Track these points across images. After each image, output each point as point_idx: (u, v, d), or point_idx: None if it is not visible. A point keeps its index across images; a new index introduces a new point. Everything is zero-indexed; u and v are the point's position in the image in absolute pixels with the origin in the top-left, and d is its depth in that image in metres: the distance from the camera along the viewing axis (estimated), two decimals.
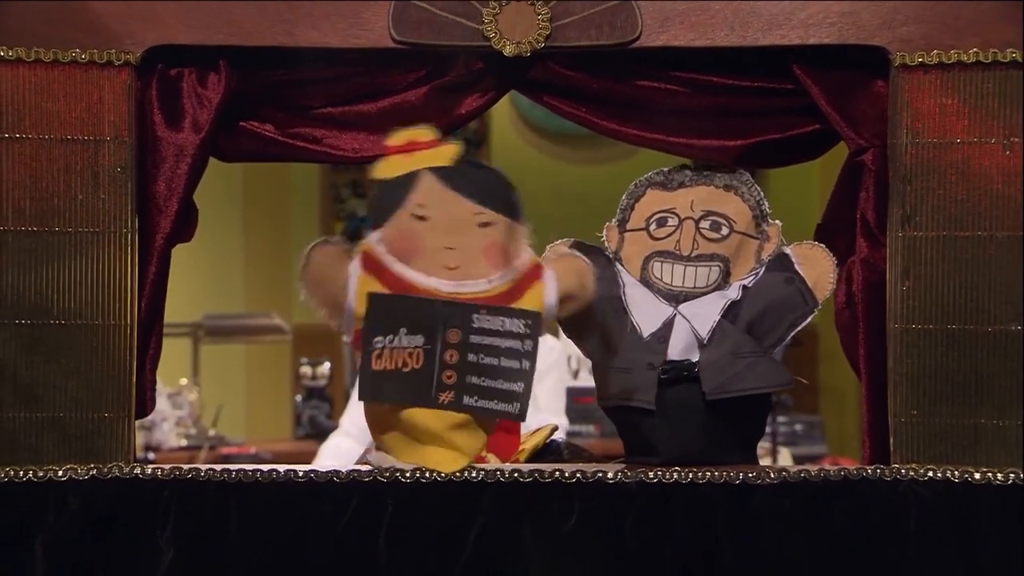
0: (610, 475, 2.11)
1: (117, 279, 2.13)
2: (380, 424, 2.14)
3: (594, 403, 2.35)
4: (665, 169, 2.29)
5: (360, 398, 2.14)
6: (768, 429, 4.53)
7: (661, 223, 2.26)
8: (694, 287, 2.22)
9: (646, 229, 2.27)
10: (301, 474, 2.12)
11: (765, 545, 2.11)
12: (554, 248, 2.28)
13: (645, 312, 2.22)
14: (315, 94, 2.25)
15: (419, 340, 2.09)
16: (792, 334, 2.23)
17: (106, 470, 2.12)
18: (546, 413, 4.61)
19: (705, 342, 2.19)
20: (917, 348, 2.14)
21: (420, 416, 2.09)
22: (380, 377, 2.08)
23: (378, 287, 2.10)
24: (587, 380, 5.30)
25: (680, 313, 2.21)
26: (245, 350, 7.34)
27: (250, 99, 2.23)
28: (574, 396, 5.39)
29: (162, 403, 5.59)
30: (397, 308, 2.09)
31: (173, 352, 5.04)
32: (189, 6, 2.16)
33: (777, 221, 2.27)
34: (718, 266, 2.22)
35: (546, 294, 2.14)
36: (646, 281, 2.25)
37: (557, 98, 2.28)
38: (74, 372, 2.13)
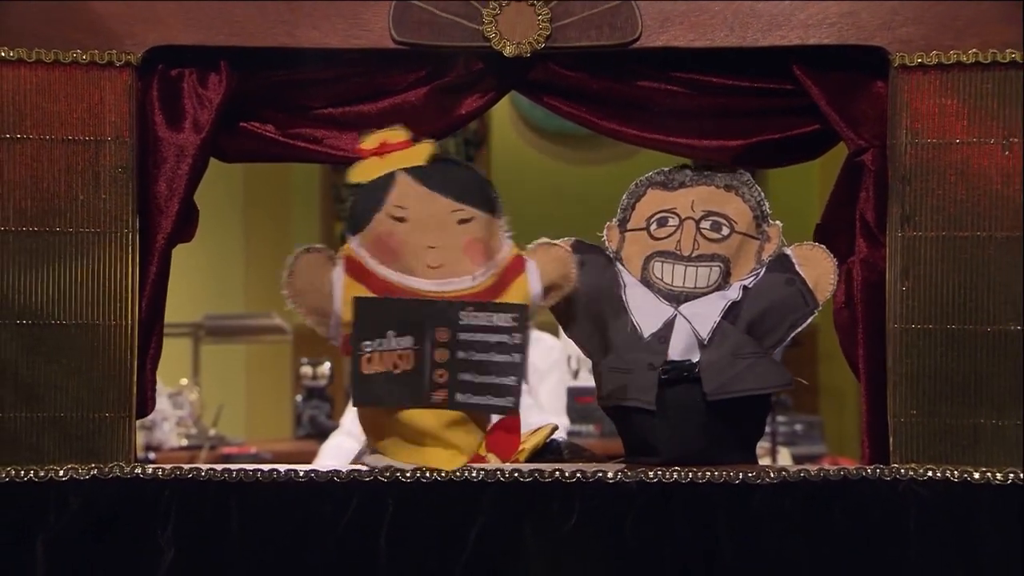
0: (610, 475, 2.12)
1: (118, 279, 2.14)
2: (375, 428, 2.15)
3: (594, 403, 2.35)
4: (665, 169, 2.29)
5: (353, 403, 2.14)
6: (768, 429, 4.53)
7: (662, 223, 2.26)
8: (695, 287, 2.23)
9: (646, 229, 2.27)
10: (302, 474, 2.12)
11: (765, 545, 2.11)
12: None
13: (645, 312, 2.23)
14: (315, 94, 2.25)
15: (408, 341, 2.09)
16: (792, 335, 2.24)
17: (107, 470, 2.12)
18: (548, 412, 4.62)
19: (706, 343, 2.20)
20: (916, 348, 2.15)
21: (415, 417, 2.09)
22: (372, 380, 2.09)
23: (363, 291, 2.11)
24: (587, 380, 5.30)
25: (680, 313, 2.21)
26: (246, 350, 7.34)
27: (251, 99, 2.24)
28: (574, 396, 5.39)
29: (163, 403, 5.59)
30: (384, 310, 2.10)
31: (174, 352, 5.04)
32: (190, 7, 2.16)
33: (777, 222, 2.27)
34: (718, 266, 2.23)
35: (531, 285, 2.15)
36: (647, 281, 2.25)
37: (557, 98, 2.29)
38: (75, 372, 2.13)
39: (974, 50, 2.13)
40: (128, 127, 2.14)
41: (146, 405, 2.19)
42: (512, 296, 2.13)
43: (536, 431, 2.44)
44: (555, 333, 4.81)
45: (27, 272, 2.12)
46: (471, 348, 2.10)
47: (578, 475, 2.12)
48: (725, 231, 2.24)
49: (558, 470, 2.12)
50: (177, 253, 2.23)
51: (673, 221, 2.25)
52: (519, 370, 2.11)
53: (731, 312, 2.21)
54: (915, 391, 2.15)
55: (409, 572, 2.10)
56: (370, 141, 2.16)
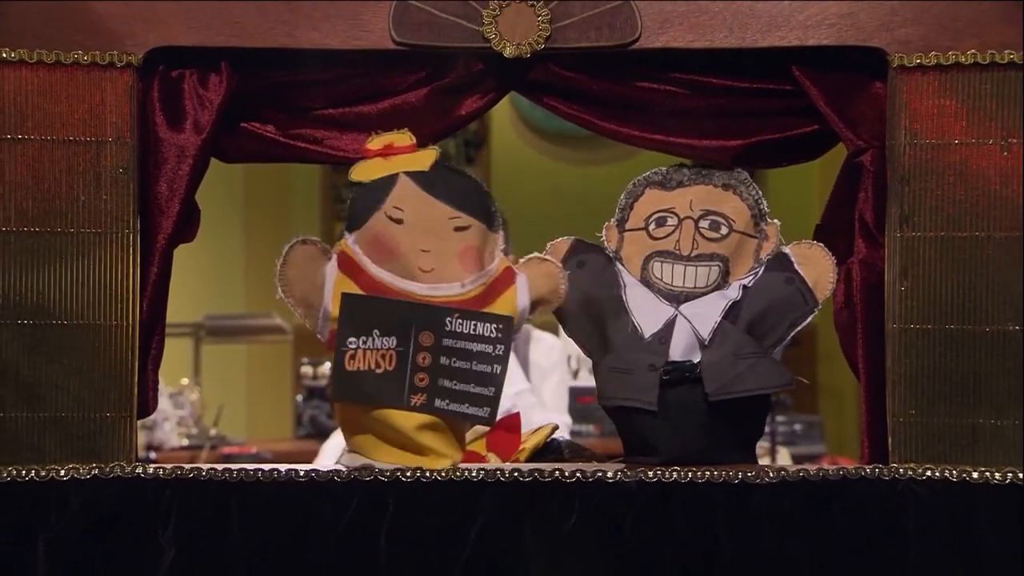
0: (610, 475, 2.12)
1: (119, 279, 2.14)
2: (351, 425, 2.16)
3: (594, 403, 2.35)
4: (663, 169, 2.29)
5: (333, 398, 2.15)
6: (767, 429, 4.54)
7: (660, 223, 2.26)
8: (694, 287, 2.23)
9: (645, 229, 2.27)
10: (302, 474, 2.12)
11: (764, 544, 2.11)
12: (550, 250, 2.29)
13: (646, 313, 2.23)
14: (316, 95, 2.26)
15: (392, 342, 2.11)
16: (792, 334, 2.24)
17: (108, 470, 2.12)
18: (551, 411, 4.62)
19: (706, 343, 2.20)
20: (915, 348, 2.15)
21: (391, 417, 2.10)
22: (353, 377, 2.10)
23: (354, 288, 2.12)
24: (587, 380, 5.31)
25: (681, 314, 2.22)
26: (246, 350, 7.35)
27: (251, 100, 2.24)
28: (575, 396, 5.39)
29: (164, 403, 5.60)
30: (371, 309, 2.11)
31: (175, 352, 5.04)
32: (190, 8, 2.16)
33: (775, 220, 2.27)
34: (718, 266, 2.23)
35: (518, 298, 2.16)
36: (646, 281, 2.25)
37: (557, 99, 2.29)
38: (76, 372, 2.13)
39: (973, 51, 2.14)
40: (129, 128, 2.14)
41: (148, 405, 2.20)
42: (499, 307, 2.15)
43: (537, 431, 2.44)
44: (556, 332, 4.82)
45: (28, 272, 2.13)
46: (453, 355, 2.12)
47: (578, 475, 2.12)
48: (724, 230, 2.24)
49: (558, 470, 2.13)
50: (178, 253, 2.23)
51: (672, 221, 2.26)
52: (498, 381, 2.12)
53: (731, 312, 2.21)
54: (914, 391, 2.15)
55: (409, 572, 2.10)
56: (376, 142, 2.18)
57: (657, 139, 2.29)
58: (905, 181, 2.15)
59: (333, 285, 2.13)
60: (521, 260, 2.22)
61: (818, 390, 6.99)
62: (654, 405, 2.18)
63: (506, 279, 2.17)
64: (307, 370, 6.22)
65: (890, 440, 2.16)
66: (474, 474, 2.12)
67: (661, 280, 2.24)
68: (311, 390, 6.18)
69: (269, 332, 6.42)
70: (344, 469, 2.12)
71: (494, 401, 2.13)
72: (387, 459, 2.13)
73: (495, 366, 2.12)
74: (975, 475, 2.13)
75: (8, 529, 2.10)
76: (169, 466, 2.14)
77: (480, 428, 2.44)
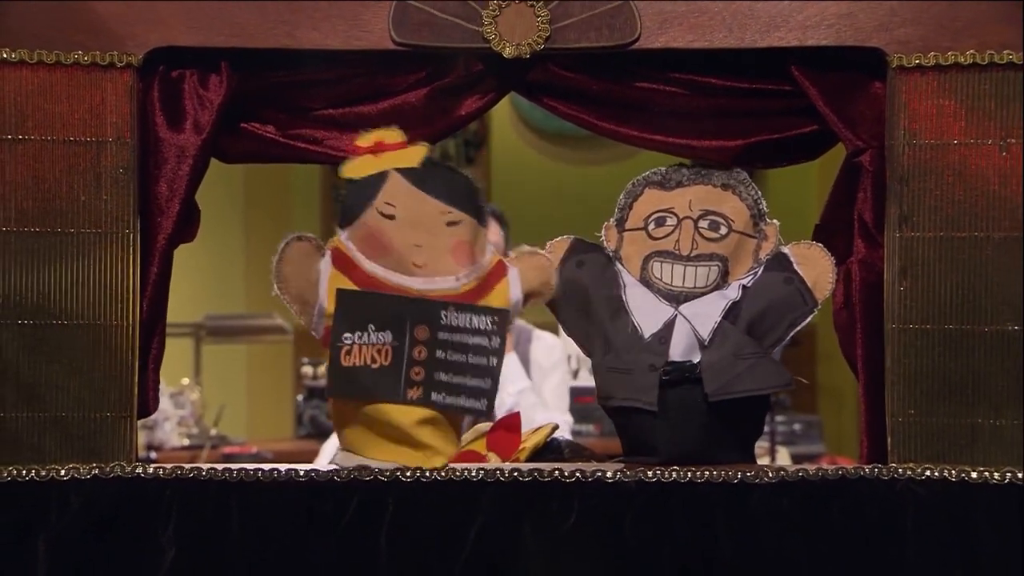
0: (609, 474, 2.12)
1: (119, 280, 2.14)
2: (346, 422, 2.16)
3: (594, 403, 2.36)
4: (662, 168, 2.29)
5: (329, 394, 2.15)
6: (766, 428, 4.54)
7: (660, 223, 2.27)
8: (694, 287, 2.23)
9: (645, 229, 2.27)
10: (302, 473, 2.13)
11: (763, 544, 2.12)
12: (550, 249, 2.29)
13: (646, 313, 2.23)
14: (316, 95, 2.26)
15: (387, 337, 2.11)
16: (792, 334, 2.24)
17: (108, 469, 2.13)
18: (553, 410, 4.62)
19: (706, 343, 2.20)
20: (914, 348, 2.15)
21: (388, 412, 2.11)
22: (349, 373, 2.11)
23: (348, 283, 2.13)
24: (587, 380, 5.30)
25: (681, 314, 2.22)
26: (247, 350, 7.35)
27: (251, 100, 2.24)
28: (575, 395, 5.39)
29: (164, 403, 5.59)
30: (366, 304, 2.12)
31: (175, 352, 5.04)
32: (191, 8, 2.16)
33: (774, 220, 2.28)
34: (717, 266, 2.23)
35: (511, 291, 2.17)
36: (646, 281, 2.25)
37: (557, 99, 2.29)
38: (76, 372, 2.13)
39: (972, 51, 2.14)
40: (129, 128, 2.15)
41: (148, 405, 2.20)
42: (493, 300, 2.16)
43: (536, 430, 2.44)
44: (556, 332, 4.82)
45: (29, 272, 2.13)
46: (449, 348, 2.13)
47: (577, 475, 2.12)
48: (723, 230, 2.25)
49: (557, 469, 2.13)
50: (178, 253, 2.23)
51: (671, 221, 2.26)
52: (495, 374, 2.13)
53: (731, 312, 2.21)
54: (913, 391, 2.15)
55: (409, 571, 2.11)
56: (366, 139, 2.18)
57: (657, 139, 2.29)
58: (904, 181, 2.15)
59: (328, 281, 2.13)
60: (511, 253, 2.22)
61: (817, 390, 6.99)
62: (654, 405, 2.18)
63: (498, 272, 2.18)
64: (307, 370, 6.22)
65: (889, 440, 2.16)
66: (474, 474, 2.12)
67: (661, 280, 2.24)
68: (311, 390, 6.18)
69: (269, 332, 6.42)
70: (344, 469, 2.12)
71: (490, 393, 2.13)
72: (382, 456, 2.13)
73: (491, 358, 2.13)
74: (974, 475, 2.13)
75: (8, 529, 2.10)
76: (169, 466, 2.15)
77: (480, 428, 2.45)
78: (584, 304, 2.26)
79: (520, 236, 2.28)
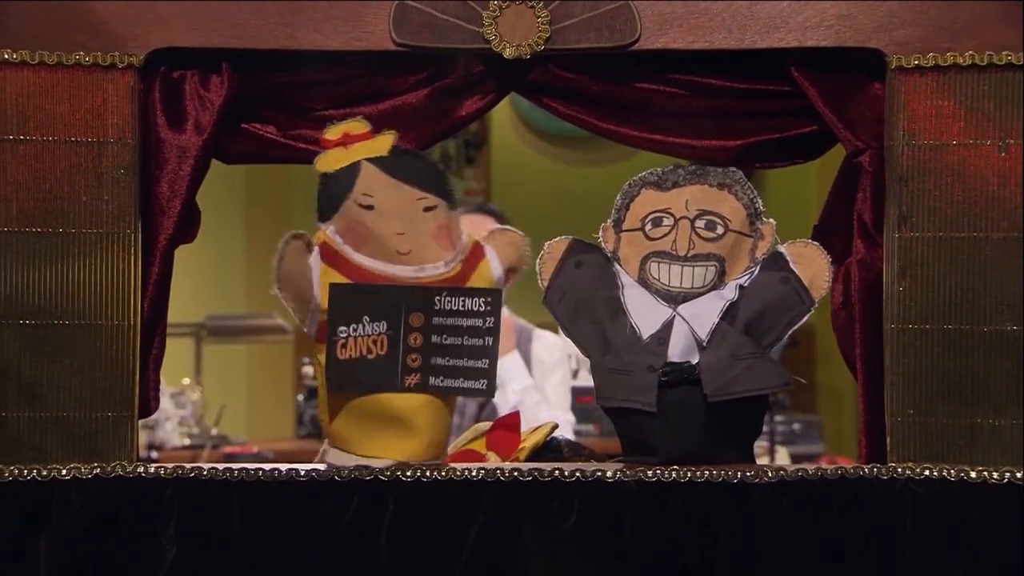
0: (609, 474, 2.13)
1: (120, 280, 2.15)
2: (337, 416, 2.16)
3: (594, 402, 2.36)
4: (659, 169, 2.30)
5: (328, 388, 2.15)
6: (766, 428, 4.54)
7: (656, 223, 2.27)
8: (691, 287, 2.23)
9: (642, 229, 2.27)
10: (303, 473, 2.13)
11: (763, 544, 2.12)
12: (549, 249, 2.29)
13: (644, 314, 2.23)
14: (316, 96, 2.26)
15: (382, 327, 2.13)
16: (789, 333, 2.24)
17: (109, 469, 2.13)
18: (556, 409, 4.63)
19: (704, 344, 2.20)
20: (913, 348, 2.15)
21: (383, 399, 2.11)
22: (346, 366, 2.12)
23: (339, 277, 2.14)
24: (587, 379, 5.30)
25: (679, 315, 2.22)
26: (247, 350, 7.35)
27: (252, 101, 2.25)
28: (575, 395, 5.39)
29: (165, 402, 5.59)
30: (359, 297, 2.13)
31: (176, 352, 5.04)
32: (192, 9, 2.17)
33: (771, 219, 2.28)
34: (714, 265, 2.23)
35: (492, 269, 2.20)
36: (644, 282, 2.25)
37: (557, 100, 2.30)
38: (78, 372, 2.14)
39: (971, 52, 2.14)
40: (130, 128, 2.15)
41: (149, 405, 2.21)
42: (478, 280, 2.19)
43: (536, 429, 2.45)
44: (557, 331, 4.82)
45: (30, 272, 2.13)
46: (444, 332, 2.14)
47: (577, 474, 2.13)
48: (720, 230, 2.25)
49: (557, 469, 2.13)
50: (179, 254, 2.24)
51: (668, 221, 2.26)
52: (491, 353, 2.15)
53: (729, 312, 2.21)
54: (912, 391, 2.16)
55: (409, 571, 2.11)
56: (333, 132, 2.19)
57: (656, 140, 2.29)
58: (903, 182, 2.16)
59: (319, 277, 2.14)
60: (484, 233, 2.24)
61: (816, 390, 6.99)
62: (653, 406, 2.18)
63: (476, 253, 2.21)
64: (308, 370, 6.22)
65: (888, 440, 2.17)
66: (474, 474, 2.12)
67: (658, 281, 2.24)
68: (312, 390, 6.17)
69: (270, 332, 6.42)
70: (345, 469, 2.12)
71: (489, 373, 2.15)
72: (372, 449, 2.14)
73: (487, 338, 2.15)
74: (973, 474, 2.13)
75: (10, 528, 2.11)
76: (170, 465, 2.15)
77: (480, 427, 2.45)
78: (583, 305, 2.26)
79: None
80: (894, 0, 2.17)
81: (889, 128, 2.17)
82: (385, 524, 2.10)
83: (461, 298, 2.15)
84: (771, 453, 5.10)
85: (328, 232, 2.17)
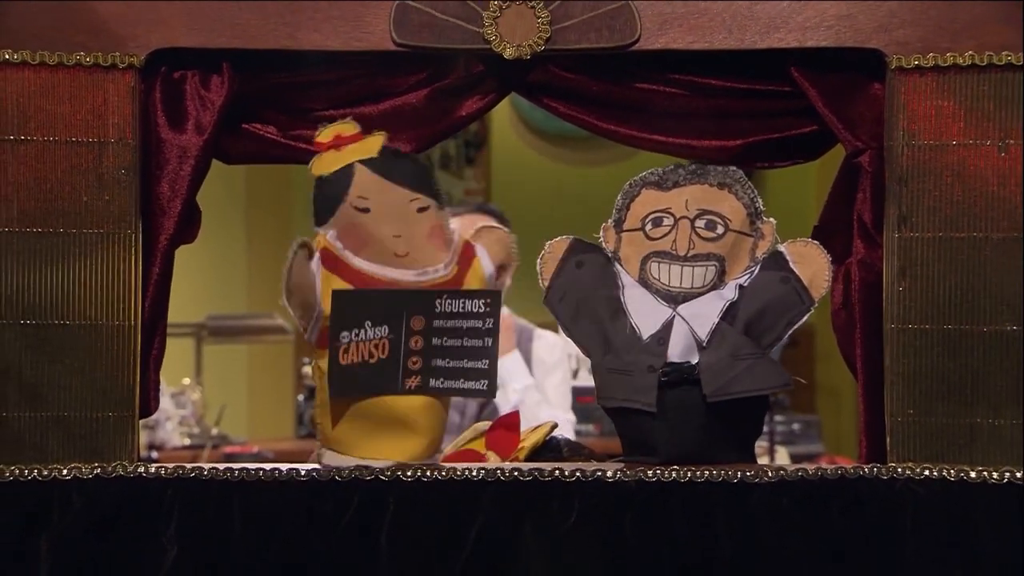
0: (609, 474, 2.13)
1: (121, 280, 2.15)
2: (335, 418, 2.16)
3: (594, 402, 2.36)
4: (659, 169, 2.30)
5: (331, 394, 2.15)
6: (766, 428, 4.54)
7: (657, 223, 2.27)
8: (691, 287, 2.23)
9: (642, 229, 2.27)
10: (303, 473, 2.13)
11: (763, 544, 2.12)
12: (550, 249, 2.30)
13: (644, 314, 2.23)
14: (317, 96, 2.27)
15: (384, 331, 2.13)
16: (789, 333, 2.24)
17: (110, 469, 2.13)
18: (556, 408, 4.63)
19: (704, 344, 2.20)
20: (913, 348, 2.16)
21: (383, 401, 2.12)
22: (348, 371, 2.12)
23: (339, 282, 2.15)
24: (587, 379, 5.30)
25: (679, 315, 2.22)
26: (248, 350, 7.35)
27: (253, 101, 2.25)
28: (575, 395, 5.39)
29: (165, 402, 5.59)
30: (361, 302, 2.13)
31: (176, 352, 5.04)
32: (192, 9, 2.17)
33: (771, 219, 2.28)
34: (714, 265, 2.23)
35: (484, 268, 2.22)
36: (644, 282, 2.25)
37: (557, 100, 2.30)
38: (78, 372, 2.14)
39: (971, 52, 2.14)
40: (131, 129, 2.15)
41: (150, 405, 2.21)
42: (473, 279, 2.20)
43: (535, 429, 2.44)
44: (557, 331, 4.82)
45: (31, 272, 2.14)
46: (444, 334, 2.15)
47: (577, 474, 2.13)
48: (720, 229, 2.25)
49: (558, 469, 2.14)
50: (179, 254, 2.24)
51: (668, 221, 2.26)
52: (492, 353, 2.16)
53: (728, 312, 2.21)
54: (912, 391, 2.16)
55: (409, 571, 2.11)
56: (324, 135, 2.20)
57: (656, 140, 2.30)
58: (903, 182, 2.16)
59: (321, 283, 2.14)
60: (472, 232, 2.25)
61: (816, 390, 6.99)
62: (653, 406, 2.18)
63: (467, 252, 2.22)
64: (308, 370, 6.21)
65: (888, 440, 2.17)
66: (474, 474, 2.13)
67: (659, 281, 2.24)
68: (312, 390, 6.17)
69: (270, 332, 6.42)
70: (345, 469, 2.12)
71: (490, 374, 2.16)
72: (368, 451, 2.14)
73: (486, 339, 2.16)
74: (973, 474, 2.13)
75: (11, 528, 2.11)
76: (171, 465, 2.15)
77: (480, 427, 2.45)
78: (584, 304, 2.26)
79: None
80: (894, 0, 2.17)
81: (889, 128, 2.17)
82: (385, 524, 2.11)
83: (461, 300, 2.16)
84: (771, 453, 5.10)
85: (328, 237, 2.17)
